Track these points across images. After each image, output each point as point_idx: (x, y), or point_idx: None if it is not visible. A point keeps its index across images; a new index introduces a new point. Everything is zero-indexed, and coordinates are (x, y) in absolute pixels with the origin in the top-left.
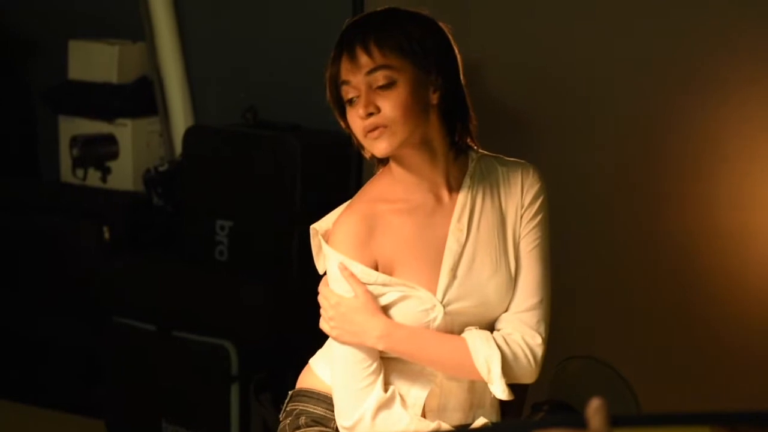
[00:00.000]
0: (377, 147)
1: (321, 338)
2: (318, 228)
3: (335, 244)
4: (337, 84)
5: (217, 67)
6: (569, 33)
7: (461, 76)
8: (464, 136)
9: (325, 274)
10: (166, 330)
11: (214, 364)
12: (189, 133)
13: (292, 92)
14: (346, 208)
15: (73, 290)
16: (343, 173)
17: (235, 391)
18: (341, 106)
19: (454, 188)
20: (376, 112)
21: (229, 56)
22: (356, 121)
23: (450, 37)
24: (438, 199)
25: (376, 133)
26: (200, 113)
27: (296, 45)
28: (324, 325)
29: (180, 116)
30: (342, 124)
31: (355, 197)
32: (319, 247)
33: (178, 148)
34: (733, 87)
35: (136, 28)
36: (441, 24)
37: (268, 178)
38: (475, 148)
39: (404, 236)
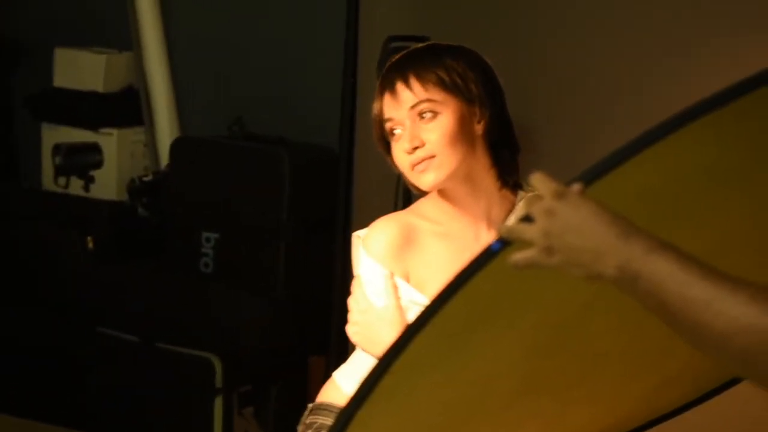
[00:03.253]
0: (424, 180)
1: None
2: (360, 235)
3: (369, 246)
4: (381, 123)
5: (204, 78)
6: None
7: (506, 109)
8: (513, 170)
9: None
10: (150, 341)
11: (198, 377)
12: (176, 144)
13: (278, 105)
14: (388, 215)
15: (56, 300)
16: (329, 187)
17: (218, 404)
18: (386, 143)
19: (494, 226)
20: (421, 145)
21: (217, 68)
22: (401, 155)
23: (491, 69)
24: (477, 234)
25: (422, 166)
26: (186, 124)
27: (284, 58)
28: (349, 328)
29: (166, 127)
30: (388, 161)
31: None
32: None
33: (164, 158)
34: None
35: (123, 37)
36: (482, 56)
37: (255, 191)
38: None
39: (438, 260)
